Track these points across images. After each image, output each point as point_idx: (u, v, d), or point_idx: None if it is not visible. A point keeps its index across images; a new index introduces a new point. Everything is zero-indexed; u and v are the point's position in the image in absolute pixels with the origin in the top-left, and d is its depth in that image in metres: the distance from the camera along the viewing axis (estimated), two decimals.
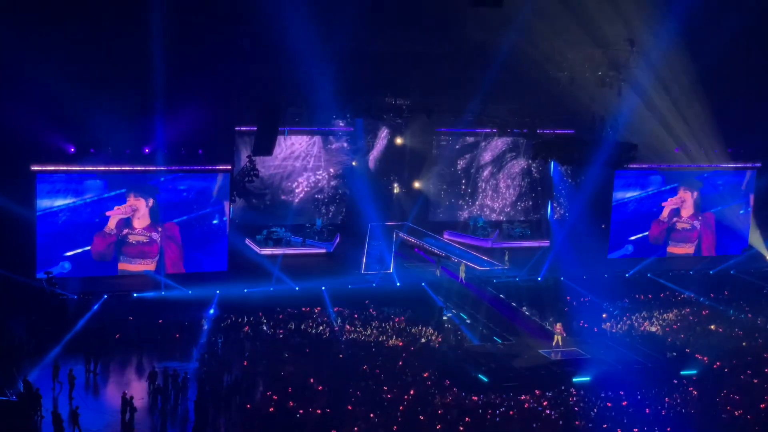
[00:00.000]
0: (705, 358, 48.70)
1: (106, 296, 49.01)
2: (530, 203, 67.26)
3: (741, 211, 65.76)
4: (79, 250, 51.75)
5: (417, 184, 65.01)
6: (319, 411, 39.54)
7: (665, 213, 63.88)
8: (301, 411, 39.56)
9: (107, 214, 51.83)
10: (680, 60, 56.77)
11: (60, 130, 49.22)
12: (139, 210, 52.44)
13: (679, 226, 64.52)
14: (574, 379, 45.32)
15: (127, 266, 52.83)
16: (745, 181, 65.56)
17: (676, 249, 64.80)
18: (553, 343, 49.81)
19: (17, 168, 49.20)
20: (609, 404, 42.64)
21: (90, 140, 50.10)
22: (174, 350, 46.26)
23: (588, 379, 45.47)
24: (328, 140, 63.21)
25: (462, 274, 56.77)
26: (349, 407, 40.30)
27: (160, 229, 52.91)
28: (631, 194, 62.82)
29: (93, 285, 50.47)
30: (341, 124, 61.55)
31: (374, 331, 49.91)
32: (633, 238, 63.34)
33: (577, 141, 52.11)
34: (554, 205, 64.22)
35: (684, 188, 64.05)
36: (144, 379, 42.50)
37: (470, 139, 66.06)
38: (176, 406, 41.11)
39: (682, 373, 46.84)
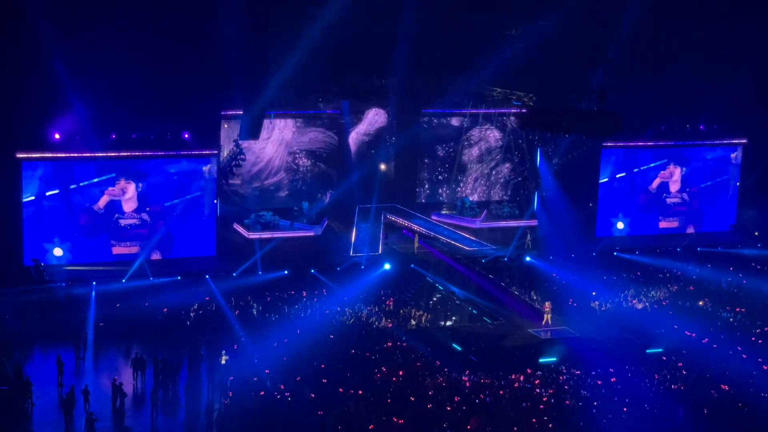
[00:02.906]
0: (693, 334, 48.97)
1: (94, 283, 48.94)
2: (518, 183, 67.25)
3: (728, 187, 65.92)
4: (71, 236, 51.54)
5: (404, 166, 64.93)
6: (313, 395, 39.71)
7: (655, 183, 63.94)
8: (288, 394, 39.68)
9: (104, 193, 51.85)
10: (665, 34, 56.88)
11: (46, 116, 48.93)
12: (128, 193, 52.27)
13: (668, 201, 64.63)
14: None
15: (121, 250, 52.67)
16: (732, 158, 65.66)
17: (665, 224, 64.92)
18: (543, 322, 49.97)
19: (2, 156, 48.89)
20: (599, 382, 42.85)
21: (76, 126, 49.83)
22: (164, 336, 46.16)
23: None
24: (314, 123, 63.05)
25: (416, 244, 57.21)
26: (340, 389, 40.38)
27: (147, 209, 52.75)
28: (619, 174, 62.90)
29: (81, 272, 50.34)
30: (327, 106, 61.34)
31: (364, 313, 49.99)
32: (623, 216, 63.53)
33: (564, 110, 52.26)
34: (541, 184, 64.20)
35: (673, 164, 64.15)
36: (130, 366, 42.55)
37: (457, 120, 66.03)
38: (167, 391, 41.17)
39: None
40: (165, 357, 42.33)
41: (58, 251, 51.24)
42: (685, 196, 64.87)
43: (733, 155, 65.44)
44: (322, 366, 42.28)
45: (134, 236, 52.79)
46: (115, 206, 52.17)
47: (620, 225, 63.41)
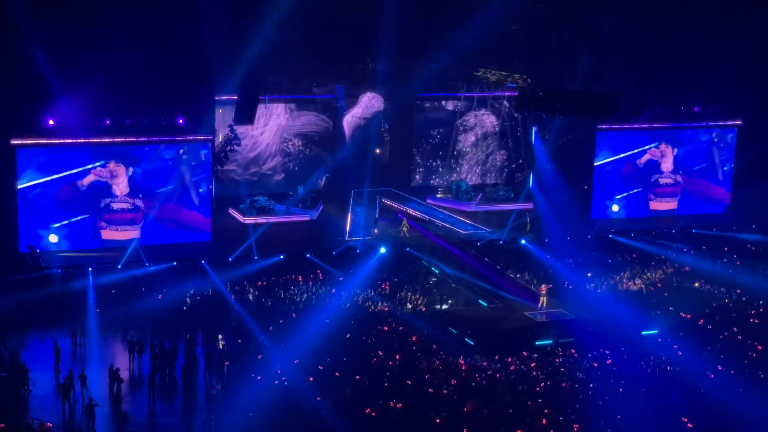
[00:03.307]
0: (688, 316, 49.09)
1: (90, 269, 48.92)
2: (513, 166, 67.24)
3: (724, 169, 65.96)
4: (65, 222, 51.51)
5: (399, 150, 64.89)
6: (311, 378, 39.79)
7: (643, 159, 63.92)
8: (285, 378, 39.77)
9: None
10: (660, 16, 56.84)
11: (40, 103, 48.80)
12: (118, 177, 52.18)
13: (661, 181, 64.66)
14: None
15: (112, 234, 52.63)
16: (726, 139, 65.69)
17: (659, 205, 64.98)
18: (539, 305, 50.06)
19: None
20: (595, 364, 42.96)
21: (70, 113, 49.72)
22: (160, 321, 46.15)
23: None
24: (308, 107, 62.92)
25: (404, 228, 57.40)
26: (336, 373, 40.45)
27: (141, 196, 52.69)
28: (613, 157, 62.90)
29: (77, 258, 50.31)
30: (321, 90, 61.27)
31: (360, 297, 50.05)
32: (618, 197, 63.55)
33: (560, 91, 52.35)
34: (536, 167, 64.18)
35: (665, 143, 64.17)
36: (126, 350, 42.61)
37: (452, 104, 65.96)
38: (164, 376, 41.23)
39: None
40: (161, 342, 42.40)
41: (53, 237, 51.20)
42: (679, 177, 64.88)
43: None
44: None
45: (128, 221, 52.75)
46: (102, 188, 52.02)
47: (615, 207, 63.37)
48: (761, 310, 50.43)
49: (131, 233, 52.86)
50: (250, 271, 51.09)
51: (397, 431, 36.29)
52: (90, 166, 51.39)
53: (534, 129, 63.69)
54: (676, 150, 64.44)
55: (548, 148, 62.46)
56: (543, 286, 51.02)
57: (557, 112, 54.15)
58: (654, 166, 64.33)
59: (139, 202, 52.74)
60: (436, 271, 53.71)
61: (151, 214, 53.10)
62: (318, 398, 37.81)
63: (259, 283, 50.44)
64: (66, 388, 37.86)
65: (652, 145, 63.67)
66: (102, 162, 51.54)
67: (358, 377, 39.89)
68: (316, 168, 63.29)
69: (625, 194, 63.74)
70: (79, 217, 51.79)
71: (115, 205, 52.38)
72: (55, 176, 50.81)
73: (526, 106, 55.47)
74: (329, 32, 52.90)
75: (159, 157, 52.84)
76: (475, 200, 63.73)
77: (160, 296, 48.29)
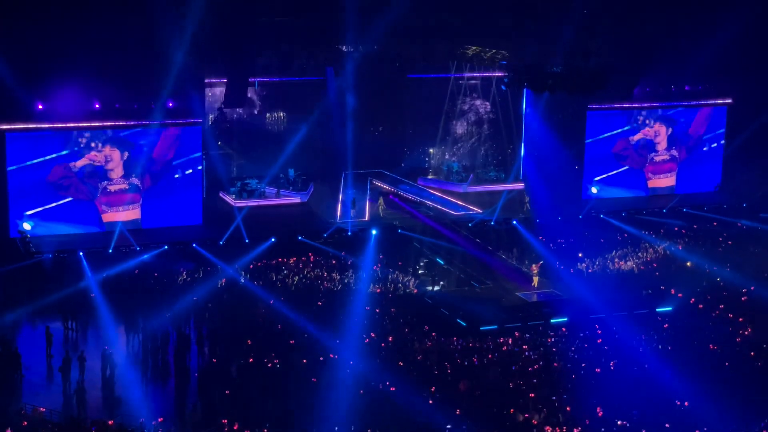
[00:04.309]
0: (680, 294, 49.24)
1: (81, 253, 48.85)
2: (504, 146, 67.09)
3: (713, 146, 66.03)
4: (53, 205, 51.48)
5: (390, 131, 64.78)
6: (305, 360, 39.86)
7: (637, 136, 63.95)
8: (278, 360, 39.83)
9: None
10: None
11: (29, 87, 48.61)
12: (113, 161, 52.11)
13: (657, 158, 64.71)
14: (553, 320, 45.87)
15: (113, 215, 52.60)
16: (717, 118, 65.77)
17: (657, 182, 65.09)
18: (533, 284, 50.23)
19: None
20: (586, 345, 43.12)
21: (59, 97, 49.57)
22: (151, 305, 46.11)
23: (565, 319, 45.96)
24: (298, 89, 62.64)
25: (381, 207, 57.59)
26: (331, 355, 40.51)
27: (133, 178, 52.64)
28: (604, 135, 62.92)
29: (68, 242, 50.21)
30: (311, 73, 60.98)
31: (350, 280, 50.09)
32: (599, 178, 63.60)
33: (550, 69, 52.37)
34: (527, 147, 64.14)
35: (659, 122, 64.22)
36: (123, 334, 42.64)
37: (443, 84, 65.71)
38: (156, 359, 41.28)
39: (657, 310, 47.38)
40: (154, 326, 42.46)
41: (41, 222, 51.04)
42: (675, 152, 64.96)
43: (717, 116, 65.55)
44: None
45: (120, 204, 52.67)
46: (97, 172, 51.94)
47: (594, 190, 63.13)
48: (752, 288, 50.58)
49: (133, 212, 52.88)
50: (242, 253, 51.03)
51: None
52: (76, 149, 51.20)
53: (525, 109, 63.59)
54: (670, 129, 64.46)
55: (539, 128, 62.37)
56: (534, 265, 51.13)
57: (547, 90, 54.26)
58: (649, 144, 64.35)
59: (135, 181, 52.70)
60: (428, 253, 53.81)
61: (143, 197, 53.03)
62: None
63: (252, 266, 50.49)
64: (64, 370, 37.87)
65: (644, 123, 63.71)
66: (92, 145, 51.40)
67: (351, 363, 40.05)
68: (307, 149, 62.98)
69: (615, 172, 63.76)
70: (67, 200, 51.70)
71: (113, 187, 52.28)
72: (45, 159, 50.66)
73: (516, 84, 55.52)
74: (320, 12, 52.65)
75: (149, 141, 52.70)
76: (467, 181, 63.70)
77: (153, 279, 48.30)
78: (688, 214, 61.24)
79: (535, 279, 50.48)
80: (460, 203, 60.16)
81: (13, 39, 46.56)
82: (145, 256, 49.70)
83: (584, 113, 61.80)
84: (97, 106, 50.72)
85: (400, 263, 52.43)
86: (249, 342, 41.83)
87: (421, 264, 52.92)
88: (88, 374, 38.80)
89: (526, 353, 42.00)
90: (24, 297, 45.80)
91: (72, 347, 41.59)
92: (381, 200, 58.19)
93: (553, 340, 43.90)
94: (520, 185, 62.85)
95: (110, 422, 33.83)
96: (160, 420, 34.85)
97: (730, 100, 65.38)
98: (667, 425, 35.53)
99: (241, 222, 53.03)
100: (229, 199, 58.08)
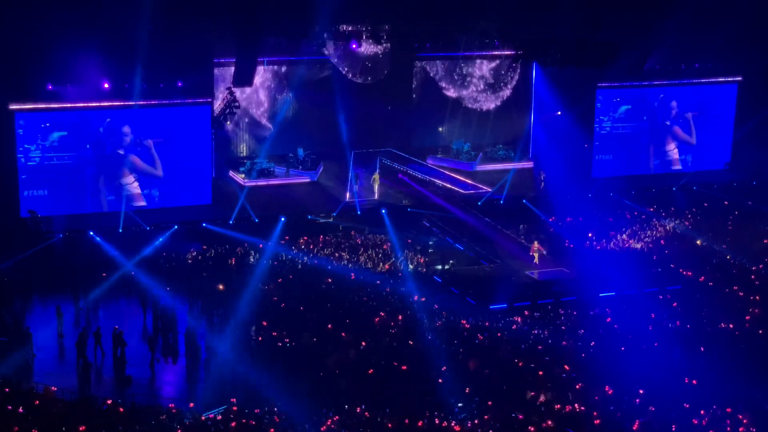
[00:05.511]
0: (689, 273, 49.22)
1: (92, 233, 49.01)
2: (513, 124, 66.90)
3: (723, 125, 65.83)
4: (65, 185, 51.63)
5: (400, 110, 64.63)
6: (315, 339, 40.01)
7: (646, 114, 63.98)
8: (288, 340, 39.94)
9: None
10: None
11: (38, 67, 48.64)
12: (123, 141, 52.42)
13: (666, 136, 64.72)
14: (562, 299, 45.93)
15: (123, 192, 52.82)
16: (727, 95, 65.55)
17: (667, 158, 65.05)
18: (535, 261, 50.39)
19: None
20: (595, 323, 43.18)
21: (69, 77, 49.60)
22: (163, 284, 46.23)
23: (574, 297, 46.03)
24: (307, 69, 62.48)
25: (375, 181, 57.56)
26: (343, 334, 40.62)
27: (142, 156, 52.95)
28: (613, 113, 62.82)
29: (78, 221, 50.36)
30: (319, 51, 60.81)
31: (362, 258, 50.18)
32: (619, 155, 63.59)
33: (558, 41, 52.14)
34: (537, 124, 64.00)
35: (669, 100, 64.05)
36: (132, 313, 42.83)
37: (452, 62, 65.49)
38: (167, 339, 41.44)
39: (667, 288, 47.39)
40: (163, 306, 42.62)
41: (50, 202, 51.18)
42: (684, 130, 64.80)
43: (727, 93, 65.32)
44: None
45: (128, 184, 52.83)
46: (106, 152, 52.12)
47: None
48: (761, 266, 50.52)
49: (139, 195, 53.08)
50: (250, 233, 51.11)
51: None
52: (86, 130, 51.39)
53: (533, 87, 63.44)
54: (679, 107, 64.31)
55: (549, 106, 62.24)
56: (535, 243, 51.28)
57: (556, 63, 54.02)
58: (658, 122, 64.21)
59: (143, 162, 52.84)
60: (436, 231, 53.90)
61: (152, 176, 53.15)
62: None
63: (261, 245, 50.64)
64: (80, 345, 38.13)
65: (656, 101, 63.62)
66: (101, 125, 51.53)
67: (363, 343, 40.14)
68: (317, 129, 62.96)
69: (627, 152, 63.72)
70: (76, 180, 51.80)
71: (122, 168, 52.49)
72: (54, 139, 50.75)
73: (525, 58, 55.24)
74: None
75: (158, 121, 52.75)
76: (476, 160, 63.61)
77: (162, 258, 48.52)
78: (697, 192, 61.16)
79: (536, 256, 50.63)
80: (470, 182, 60.13)
81: (21, 19, 46.48)
82: (159, 239, 49.84)
83: (594, 91, 61.63)
84: (107, 85, 50.72)
85: (409, 241, 52.52)
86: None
87: (430, 243, 52.96)
88: (100, 353, 39.04)
89: (536, 331, 42.06)
90: (35, 276, 46.01)
91: (80, 329, 41.75)
92: (376, 174, 57.94)
93: (562, 318, 43.95)
94: (530, 164, 62.77)
95: (119, 401, 34.12)
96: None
97: (740, 78, 65.12)
98: (681, 403, 35.56)
99: (244, 199, 53.15)
100: (239, 178, 58.13)
